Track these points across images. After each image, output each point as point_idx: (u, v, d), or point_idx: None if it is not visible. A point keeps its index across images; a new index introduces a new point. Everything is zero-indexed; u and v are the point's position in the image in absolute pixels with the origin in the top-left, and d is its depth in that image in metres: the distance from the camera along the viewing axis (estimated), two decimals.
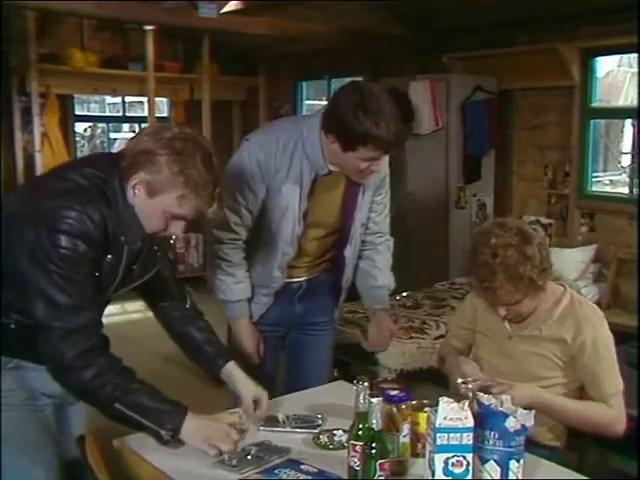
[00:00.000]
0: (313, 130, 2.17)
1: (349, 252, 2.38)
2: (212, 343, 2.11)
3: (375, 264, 2.49)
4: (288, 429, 1.95)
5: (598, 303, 4.04)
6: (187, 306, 2.15)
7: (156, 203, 1.71)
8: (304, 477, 1.67)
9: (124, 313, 6.17)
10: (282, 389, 2.43)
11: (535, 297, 1.96)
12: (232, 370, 2.07)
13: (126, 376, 1.78)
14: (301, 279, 2.41)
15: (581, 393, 2.02)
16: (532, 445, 1.78)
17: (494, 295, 1.92)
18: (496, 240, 1.88)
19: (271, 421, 1.98)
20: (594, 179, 5.36)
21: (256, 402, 2.01)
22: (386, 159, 2.24)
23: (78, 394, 1.80)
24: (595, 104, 5.09)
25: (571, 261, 4.64)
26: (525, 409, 1.66)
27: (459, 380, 1.86)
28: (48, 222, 1.64)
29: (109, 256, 1.74)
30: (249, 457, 1.77)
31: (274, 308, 2.41)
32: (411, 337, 3.71)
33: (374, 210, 2.42)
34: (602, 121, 5.49)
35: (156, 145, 1.68)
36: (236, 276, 2.32)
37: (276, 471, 1.69)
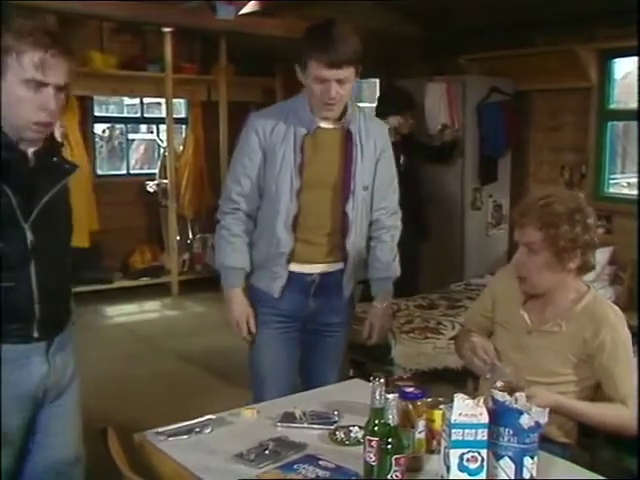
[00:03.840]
0: (301, 93, 2.45)
1: (351, 209, 2.42)
2: None
3: (376, 256, 2.57)
4: (305, 425, 1.98)
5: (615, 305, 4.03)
6: None
7: (8, 79, 1.71)
8: (323, 473, 1.69)
9: (141, 312, 6.23)
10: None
11: (548, 275, 2.00)
12: None
13: None
14: (315, 271, 2.45)
15: (594, 392, 2.04)
16: (545, 442, 1.80)
17: (520, 230, 2.02)
18: (555, 191, 2.03)
19: (288, 417, 2.01)
20: (611, 181, 5.35)
21: None
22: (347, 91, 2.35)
23: None
24: (613, 106, 5.08)
25: None
26: None
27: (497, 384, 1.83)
28: None
29: None
30: (267, 452, 1.80)
31: (289, 297, 2.46)
32: (426, 337, 3.73)
33: (378, 178, 2.50)
34: (621, 123, 5.48)
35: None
36: (234, 244, 2.45)
37: (295, 466, 1.72)
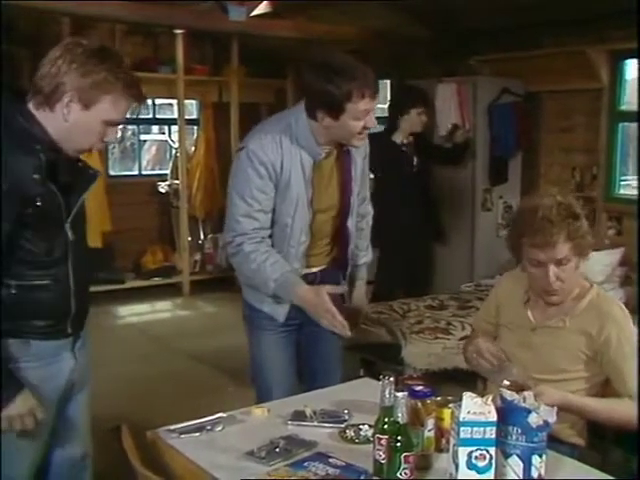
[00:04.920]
0: (301, 121, 2.29)
1: (351, 223, 2.48)
2: None
3: (357, 245, 2.61)
4: (315, 424, 2.00)
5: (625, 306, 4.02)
6: None
7: (93, 114, 1.81)
8: (332, 470, 1.71)
9: (153, 312, 6.27)
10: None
11: (576, 274, 2.04)
12: None
13: None
14: (316, 269, 2.47)
15: (604, 388, 2.05)
16: (554, 442, 1.81)
17: (550, 250, 1.96)
18: (549, 199, 2.01)
19: (299, 416, 2.03)
20: (622, 182, 5.33)
21: None
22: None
23: None
24: (624, 107, 5.06)
25: (598, 264, 4.60)
26: None
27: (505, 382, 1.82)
28: None
29: (35, 176, 1.77)
30: (277, 450, 1.82)
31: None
32: (436, 337, 3.74)
33: (359, 175, 2.49)
34: (632, 124, 5.46)
35: (77, 61, 1.78)
36: (268, 258, 2.29)
37: (305, 464, 1.74)
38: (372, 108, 2.22)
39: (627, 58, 4.93)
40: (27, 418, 1.83)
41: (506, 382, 1.76)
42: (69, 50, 1.79)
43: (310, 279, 2.42)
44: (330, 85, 2.15)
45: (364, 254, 2.69)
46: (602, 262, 4.63)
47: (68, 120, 1.80)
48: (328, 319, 2.24)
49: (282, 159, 2.28)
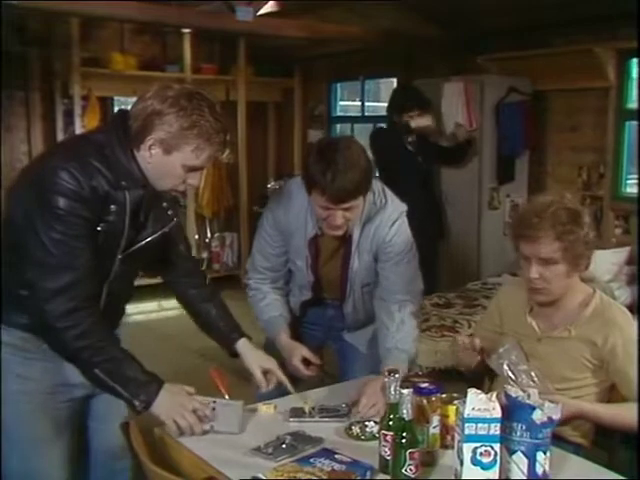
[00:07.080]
0: None
1: (349, 308, 2.46)
2: (226, 319, 2.24)
3: (384, 325, 2.35)
4: (317, 419, 2.02)
5: (631, 306, 4.02)
6: (205, 283, 2.30)
7: (173, 159, 1.81)
8: (338, 466, 1.72)
9: (161, 310, 6.28)
10: None
11: (565, 281, 2.00)
12: (243, 345, 2.21)
13: (109, 342, 1.87)
14: (333, 299, 2.52)
15: (611, 393, 2.06)
16: (558, 440, 1.81)
17: (534, 245, 1.94)
18: (555, 198, 2.00)
19: (297, 412, 2.06)
20: (629, 181, 5.32)
21: (267, 374, 2.16)
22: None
23: (62, 354, 1.86)
24: (631, 105, 5.05)
25: (605, 263, 4.61)
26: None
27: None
28: (41, 183, 1.76)
29: (112, 206, 1.82)
30: (284, 446, 1.85)
31: (311, 310, 2.56)
32: (443, 335, 3.77)
33: (382, 275, 2.37)
34: None
35: (163, 105, 1.77)
36: (265, 299, 2.47)
37: (311, 460, 1.76)
38: (339, 209, 2.14)
39: (635, 57, 4.91)
40: (187, 415, 1.89)
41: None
42: (158, 94, 1.79)
43: (329, 301, 2.54)
44: (310, 167, 2.13)
45: (390, 337, 2.28)
46: (609, 261, 4.63)
47: (150, 162, 1.84)
48: (295, 370, 2.34)
49: (288, 220, 2.35)
